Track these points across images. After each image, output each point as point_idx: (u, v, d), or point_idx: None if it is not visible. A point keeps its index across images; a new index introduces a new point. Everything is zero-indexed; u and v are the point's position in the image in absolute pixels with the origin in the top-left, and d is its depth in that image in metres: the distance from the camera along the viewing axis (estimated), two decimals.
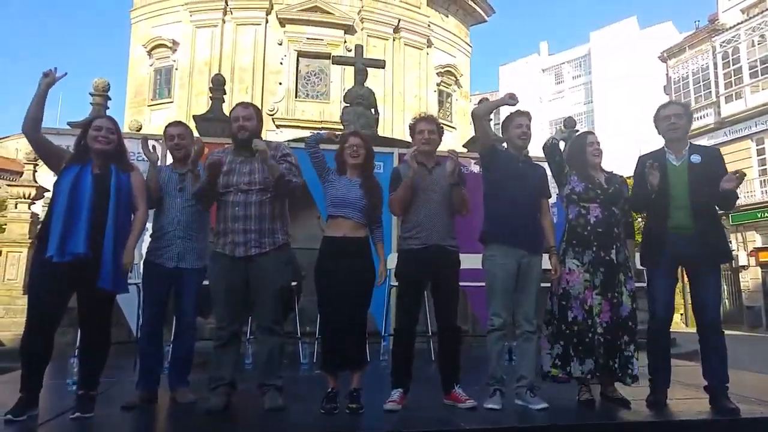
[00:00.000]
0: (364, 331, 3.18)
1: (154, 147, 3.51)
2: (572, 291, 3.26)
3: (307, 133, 20.16)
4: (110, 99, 7.76)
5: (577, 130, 3.56)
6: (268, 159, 3.10)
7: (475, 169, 6.97)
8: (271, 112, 19.64)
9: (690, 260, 3.26)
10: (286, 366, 3.28)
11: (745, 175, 3.17)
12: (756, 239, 19.81)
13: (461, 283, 3.41)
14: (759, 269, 19.17)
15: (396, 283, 3.73)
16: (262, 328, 3.21)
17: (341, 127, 8.29)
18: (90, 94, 7.66)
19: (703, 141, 21.08)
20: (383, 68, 8.89)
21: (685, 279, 3.44)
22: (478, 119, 3.50)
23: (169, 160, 3.73)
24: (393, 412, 2.99)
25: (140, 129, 11.36)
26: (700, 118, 21.20)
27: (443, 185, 3.27)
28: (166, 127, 3.64)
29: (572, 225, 3.36)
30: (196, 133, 7.87)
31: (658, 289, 3.30)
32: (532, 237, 3.28)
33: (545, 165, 3.54)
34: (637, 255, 3.52)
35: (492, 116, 4.62)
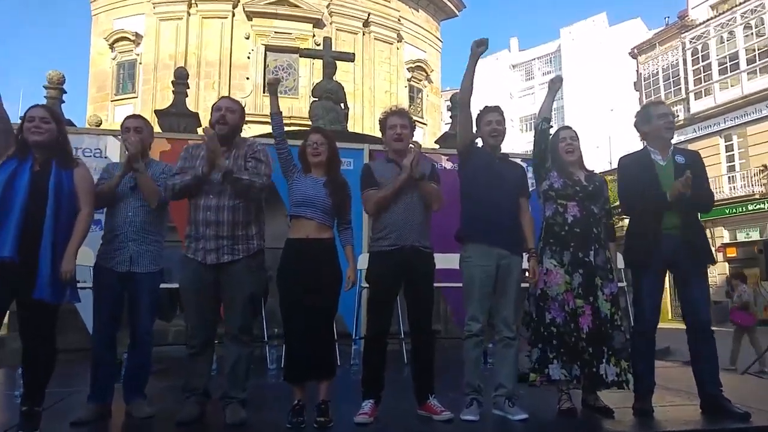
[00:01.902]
0: (331, 339, 3.01)
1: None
2: (550, 292, 3.12)
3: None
4: (65, 92, 7.40)
5: (555, 80, 3.37)
6: (216, 153, 2.87)
7: (447, 165, 6.86)
8: None
9: (678, 262, 3.16)
10: (253, 371, 3.10)
11: (690, 178, 3.04)
12: (724, 235, 20.28)
13: (437, 284, 3.25)
14: (726, 264, 19.63)
15: (367, 285, 3.57)
16: (229, 335, 3.02)
17: (309, 122, 8.09)
18: (44, 87, 7.30)
19: (674, 138, 21.47)
20: (353, 61, 8.71)
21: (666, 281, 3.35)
22: (463, 106, 3.26)
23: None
24: (364, 425, 2.82)
25: (100, 124, 10.93)
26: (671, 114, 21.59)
27: (415, 183, 3.10)
28: (124, 119, 3.40)
29: (549, 223, 3.23)
30: (157, 128, 7.61)
31: (647, 291, 3.19)
32: (511, 237, 3.14)
33: (525, 164, 3.40)
34: (619, 255, 3.42)
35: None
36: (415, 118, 20.44)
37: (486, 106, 3.32)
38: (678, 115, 21.73)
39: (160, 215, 3.27)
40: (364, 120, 18.40)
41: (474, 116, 3.30)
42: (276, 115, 3.10)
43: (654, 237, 3.12)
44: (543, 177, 3.31)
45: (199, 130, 7.35)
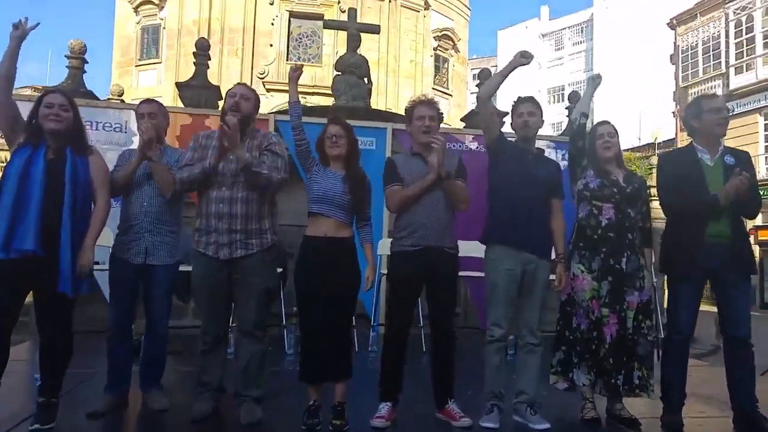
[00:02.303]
0: (347, 340, 2.92)
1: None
2: (577, 298, 2.99)
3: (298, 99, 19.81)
4: (87, 62, 7.28)
5: (595, 77, 3.16)
6: (237, 143, 2.78)
7: (473, 145, 6.64)
8: (262, 76, 19.07)
9: (721, 272, 2.95)
10: (269, 354, 3.06)
11: (747, 177, 2.82)
12: (757, 218, 19.65)
13: (459, 273, 3.13)
14: (758, 248, 19.07)
15: (386, 272, 3.47)
16: (242, 332, 2.95)
17: (331, 92, 7.89)
18: (66, 56, 7.19)
19: None
20: (378, 33, 8.40)
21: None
22: (484, 103, 3.11)
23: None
24: (381, 430, 2.76)
25: (122, 94, 10.87)
26: (708, 89, 20.72)
27: (441, 180, 2.94)
28: (139, 103, 3.31)
29: (581, 225, 3.06)
30: (178, 102, 7.51)
31: (683, 301, 3.00)
32: (540, 240, 2.97)
33: (556, 147, 3.18)
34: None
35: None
36: (440, 88, 20.22)
37: (519, 97, 3.14)
38: (716, 90, 20.91)
39: (176, 204, 3.18)
40: (387, 90, 18.09)
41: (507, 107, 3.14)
42: (295, 105, 2.95)
43: (696, 245, 2.91)
44: (578, 175, 3.13)
45: (220, 104, 7.23)
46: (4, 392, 2.71)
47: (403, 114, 3.25)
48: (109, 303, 3.10)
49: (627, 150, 24.98)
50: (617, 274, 2.94)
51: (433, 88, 21.29)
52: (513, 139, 3.17)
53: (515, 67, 3.00)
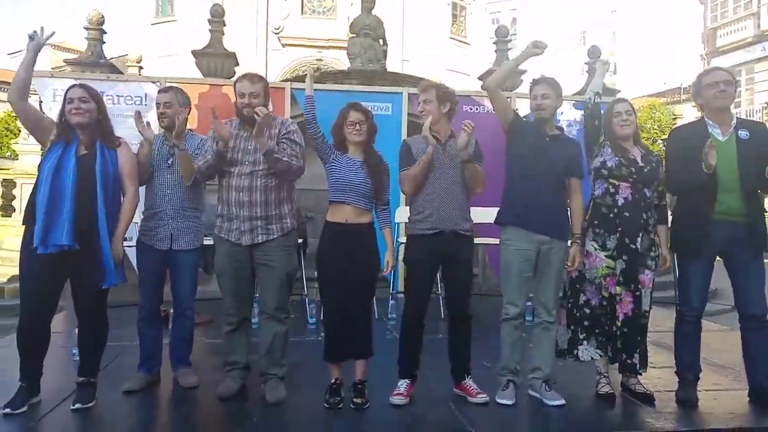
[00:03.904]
0: (369, 320, 3.02)
1: (148, 123, 3.23)
2: (588, 275, 3.03)
3: (314, 53, 19.42)
4: (105, 32, 7.28)
5: (605, 62, 3.09)
6: (263, 133, 2.85)
7: (491, 105, 6.54)
8: (276, 31, 18.74)
9: (734, 249, 2.95)
10: (293, 321, 3.18)
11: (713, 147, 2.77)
12: None
13: (477, 240, 3.18)
14: None
15: (404, 240, 3.53)
16: (265, 314, 3.07)
17: (345, 46, 7.71)
18: (84, 28, 7.18)
19: (739, 56, 19.84)
20: None
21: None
22: (492, 91, 3.09)
23: None
24: (400, 407, 2.89)
25: (140, 61, 10.83)
26: (738, 30, 19.81)
27: (458, 162, 2.96)
28: (158, 91, 3.38)
29: (597, 203, 3.05)
30: (196, 70, 7.48)
31: (694, 276, 3.01)
32: (554, 221, 2.99)
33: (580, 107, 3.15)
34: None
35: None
36: (457, 38, 19.60)
37: (534, 78, 3.10)
38: (746, 31, 19.97)
39: (197, 190, 3.28)
40: (404, 47, 17.62)
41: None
42: (309, 98, 2.98)
43: (705, 222, 2.91)
44: (595, 153, 3.10)
45: (236, 69, 7.19)
46: (45, 367, 2.91)
47: (419, 76, 3.28)
48: (138, 287, 3.24)
49: (652, 95, 24.17)
50: (632, 253, 2.97)
51: (451, 38, 20.71)
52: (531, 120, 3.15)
53: (527, 57, 3.00)
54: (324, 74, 7.90)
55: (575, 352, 3.08)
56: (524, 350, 3.13)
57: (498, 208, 3.14)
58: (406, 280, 3.12)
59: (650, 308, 3.04)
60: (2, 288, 8.66)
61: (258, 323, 3.31)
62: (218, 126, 2.92)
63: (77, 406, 2.84)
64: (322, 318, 3.13)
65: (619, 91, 8.04)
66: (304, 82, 3.09)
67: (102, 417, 2.87)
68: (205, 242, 3.37)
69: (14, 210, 11.10)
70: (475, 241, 3.18)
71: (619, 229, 2.97)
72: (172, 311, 3.42)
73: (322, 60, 17.83)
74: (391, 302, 5.05)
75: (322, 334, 3.07)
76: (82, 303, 2.92)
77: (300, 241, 4.67)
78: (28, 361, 2.87)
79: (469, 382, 3.02)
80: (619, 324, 2.98)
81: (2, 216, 11.19)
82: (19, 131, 14.05)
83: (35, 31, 2.82)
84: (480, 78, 8.25)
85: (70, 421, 2.79)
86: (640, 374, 3.07)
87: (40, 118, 2.97)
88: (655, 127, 18.78)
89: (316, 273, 3.05)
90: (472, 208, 3.11)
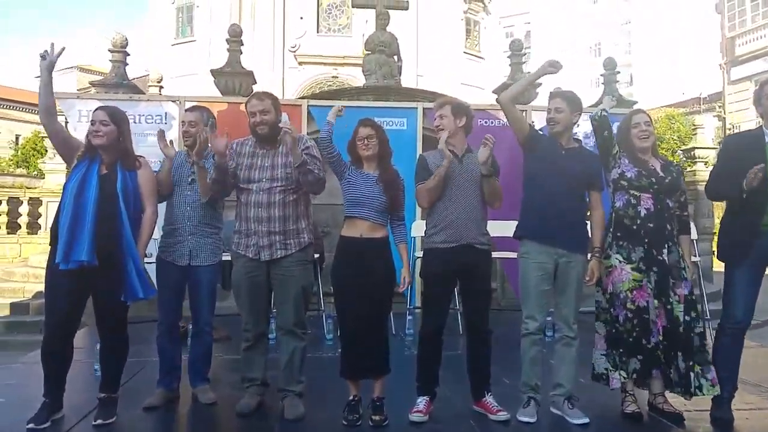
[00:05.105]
0: (385, 337, 3.00)
1: (171, 142, 3.29)
2: (614, 289, 2.97)
3: (329, 70, 19.62)
4: (128, 54, 7.49)
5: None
6: (296, 146, 2.89)
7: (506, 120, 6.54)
8: (293, 49, 19.03)
9: None
10: (310, 337, 3.18)
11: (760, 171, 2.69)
12: None
13: (495, 254, 3.16)
14: None
15: (420, 255, 3.52)
16: (283, 330, 3.09)
17: (361, 62, 7.80)
18: (109, 50, 7.41)
19: (758, 65, 19.61)
20: (406, 10, 8.24)
21: None
22: (506, 106, 3.07)
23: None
24: (419, 424, 2.85)
25: (161, 80, 11.08)
26: (757, 39, 19.60)
27: (475, 176, 2.96)
28: (185, 110, 3.46)
29: (619, 215, 3.01)
30: (214, 89, 7.63)
31: (739, 289, 2.92)
32: (572, 234, 2.95)
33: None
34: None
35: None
36: (471, 53, 19.70)
37: (550, 92, 3.11)
38: (763, 40, 19.74)
39: (216, 207, 3.32)
40: (419, 59, 17.77)
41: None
42: (328, 126, 3.01)
43: (752, 233, 2.83)
44: (611, 165, 3.07)
45: (254, 87, 7.30)
46: (67, 383, 2.95)
47: (434, 91, 3.30)
48: (157, 303, 3.27)
49: (670, 106, 23.90)
50: (661, 265, 2.91)
51: (465, 52, 20.81)
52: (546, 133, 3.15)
53: (542, 75, 3.02)
54: (339, 91, 8.01)
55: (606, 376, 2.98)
56: (545, 366, 3.07)
57: (514, 222, 3.12)
58: (423, 295, 3.11)
59: (691, 325, 2.90)
60: (27, 304, 8.79)
61: (275, 339, 3.32)
62: (214, 141, 3.01)
63: (99, 422, 2.87)
64: (339, 334, 3.12)
65: (636, 102, 7.99)
66: (321, 99, 3.13)
67: None
68: (224, 258, 3.40)
69: (40, 227, 11.31)
70: (493, 255, 3.17)
71: (646, 240, 2.92)
72: (190, 327, 3.45)
73: (337, 77, 18.04)
74: (408, 318, 5.02)
75: (340, 350, 3.06)
76: (103, 319, 2.97)
77: (316, 256, 4.71)
78: (52, 376, 2.91)
79: (489, 399, 2.98)
80: (660, 338, 2.90)
81: (28, 233, 11.41)
82: (46, 151, 14.38)
83: (46, 50, 2.88)
84: (494, 91, 8.27)
85: None
86: (697, 395, 2.89)
87: (68, 138, 3.06)
88: (675, 137, 18.56)
89: (332, 289, 3.06)
90: (490, 222, 3.10)
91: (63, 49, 2.92)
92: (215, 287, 3.35)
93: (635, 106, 6.88)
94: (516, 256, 3.11)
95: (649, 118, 3.08)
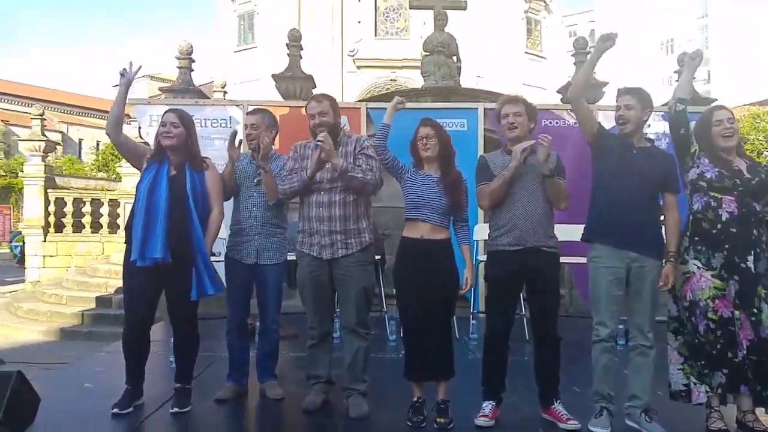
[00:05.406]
0: (449, 338, 2.97)
1: (240, 142, 3.38)
2: (694, 297, 2.80)
3: (388, 73, 19.73)
4: (194, 61, 7.81)
5: (695, 55, 2.89)
6: (333, 157, 2.93)
7: (572, 119, 6.37)
8: (351, 53, 19.27)
9: None
10: (373, 339, 3.23)
11: None
12: None
13: (562, 259, 3.07)
14: None
15: (483, 258, 3.45)
16: (346, 329, 3.12)
17: (419, 64, 7.79)
18: (176, 57, 7.74)
19: None
20: (464, 10, 8.16)
21: None
22: (575, 101, 2.97)
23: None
24: (485, 429, 2.81)
25: (225, 86, 11.48)
26: None
27: (539, 176, 2.88)
28: (246, 113, 3.56)
29: (697, 218, 2.84)
30: (275, 93, 7.83)
31: None
32: (644, 238, 2.81)
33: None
34: None
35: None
36: (533, 52, 19.33)
37: (618, 89, 2.97)
38: None
39: (281, 207, 3.40)
40: (477, 62, 17.55)
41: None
42: (384, 127, 3.02)
43: None
44: (689, 164, 2.91)
45: (314, 91, 7.43)
46: (146, 373, 3.14)
47: (495, 92, 3.23)
48: (226, 301, 3.39)
49: (753, 104, 22.33)
50: (744, 273, 2.73)
51: (526, 52, 20.42)
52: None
53: (600, 55, 2.86)
54: (398, 93, 8.02)
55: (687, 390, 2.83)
56: (618, 376, 2.94)
57: (581, 225, 3.01)
58: (487, 299, 3.04)
59: None
60: (110, 298, 9.37)
61: (339, 338, 3.37)
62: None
63: (175, 410, 3.04)
64: (401, 335, 3.12)
65: (715, 100, 7.58)
66: (380, 102, 3.13)
67: (197, 422, 3.05)
68: (289, 257, 3.47)
69: (118, 227, 12.03)
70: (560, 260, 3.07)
71: (726, 246, 2.75)
72: (258, 324, 3.54)
73: (396, 80, 18.11)
74: (472, 322, 4.95)
75: (403, 352, 3.06)
76: (175, 315, 3.12)
77: (378, 257, 4.73)
78: (132, 366, 3.11)
79: (558, 407, 2.88)
80: (745, 352, 2.73)
81: (109, 233, 12.14)
82: None
83: (125, 68, 3.06)
84: (559, 91, 8.07)
85: (170, 423, 3.00)
86: None
87: (134, 146, 3.22)
88: (760, 137, 17.42)
89: (394, 290, 3.06)
90: (556, 226, 3.01)
91: (140, 67, 3.10)
92: (281, 286, 3.44)
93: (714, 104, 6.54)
94: (585, 261, 3.01)
95: (732, 115, 2.90)
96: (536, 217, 2.88)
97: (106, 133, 3.19)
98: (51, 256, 12.03)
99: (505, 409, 2.96)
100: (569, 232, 3.71)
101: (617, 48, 3.19)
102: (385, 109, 3.11)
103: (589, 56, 2.95)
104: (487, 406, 2.88)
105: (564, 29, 27.13)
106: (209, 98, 8.64)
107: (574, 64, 7.90)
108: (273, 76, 7.70)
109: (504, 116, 2.96)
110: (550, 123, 6.18)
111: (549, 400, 2.92)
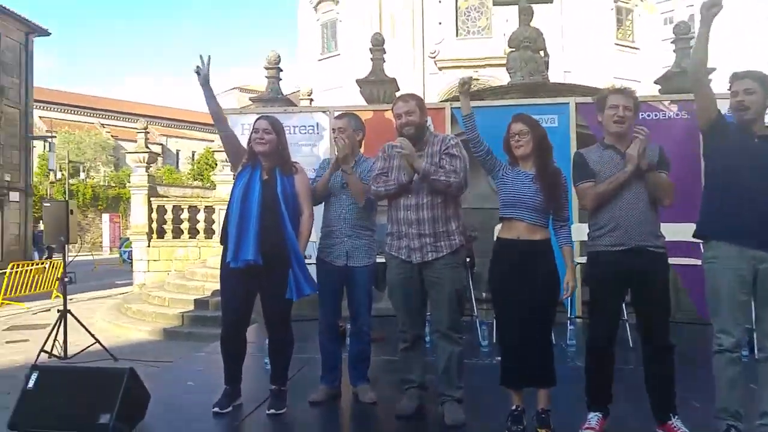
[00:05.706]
0: (549, 346, 2.81)
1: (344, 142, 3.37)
2: None
3: (470, 73, 19.48)
4: (282, 70, 8.07)
5: None
6: (413, 160, 2.88)
7: (672, 111, 5.92)
8: (432, 55, 19.19)
9: None
10: (465, 343, 3.14)
11: None
12: None
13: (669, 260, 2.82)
14: None
15: (581, 260, 3.24)
16: (438, 333, 3.04)
17: (504, 62, 7.57)
18: (264, 68, 8.04)
19: None
20: (551, 3, 7.85)
21: None
22: (696, 82, 2.70)
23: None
24: None
25: (310, 94, 11.81)
26: None
27: (642, 172, 2.66)
28: (334, 117, 3.59)
29: None
30: (359, 98, 7.92)
31: None
32: None
33: None
34: None
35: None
36: (623, 43, 18.34)
37: (734, 73, 2.66)
38: None
39: (370, 209, 3.38)
40: (564, 57, 16.91)
41: None
42: (468, 118, 2.91)
43: None
44: None
45: (397, 95, 7.43)
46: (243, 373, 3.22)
47: (586, 86, 3.02)
48: (318, 303, 3.42)
49: None
50: None
51: (616, 44, 19.41)
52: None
53: (710, 24, 2.56)
54: (482, 91, 7.83)
55: None
56: (746, 390, 2.64)
57: (689, 224, 2.76)
58: (589, 303, 2.84)
59: None
60: (207, 301, 9.88)
61: (431, 342, 3.29)
62: (408, 150, 2.97)
63: (272, 411, 3.11)
64: (495, 340, 2.99)
65: None
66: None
67: (293, 423, 3.10)
68: (378, 260, 3.45)
69: (213, 233, 12.72)
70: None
71: None
72: (349, 327, 3.55)
73: (478, 79, 17.82)
74: (569, 328, 4.69)
75: (497, 358, 2.93)
76: (270, 316, 3.18)
77: (467, 259, 4.62)
78: (230, 367, 3.21)
79: (676, 422, 2.64)
80: None
81: (205, 238, 12.88)
82: (216, 164, 16.09)
83: (198, 66, 3.14)
84: (657, 82, 7.54)
85: (267, 424, 3.06)
86: None
87: (239, 145, 3.32)
88: None
89: (484, 294, 2.94)
90: (661, 225, 2.77)
91: (209, 57, 3.15)
92: (371, 288, 3.42)
93: None
94: (691, 263, 2.74)
95: None
96: (640, 216, 2.66)
97: (217, 130, 3.32)
98: (154, 260, 12.95)
99: (613, 422, 2.76)
100: (673, 231, 3.43)
101: (722, 28, 2.88)
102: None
103: (697, 31, 2.66)
104: (594, 418, 2.70)
105: (659, 17, 25.53)
106: (296, 106, 8.90)
107: (674, 51, 7.36)
108: (357, 80, 7.80)
109: (611, 107, 2.74)
110: (649, 116, 5.78)
111: (665, 414, 2.67)
